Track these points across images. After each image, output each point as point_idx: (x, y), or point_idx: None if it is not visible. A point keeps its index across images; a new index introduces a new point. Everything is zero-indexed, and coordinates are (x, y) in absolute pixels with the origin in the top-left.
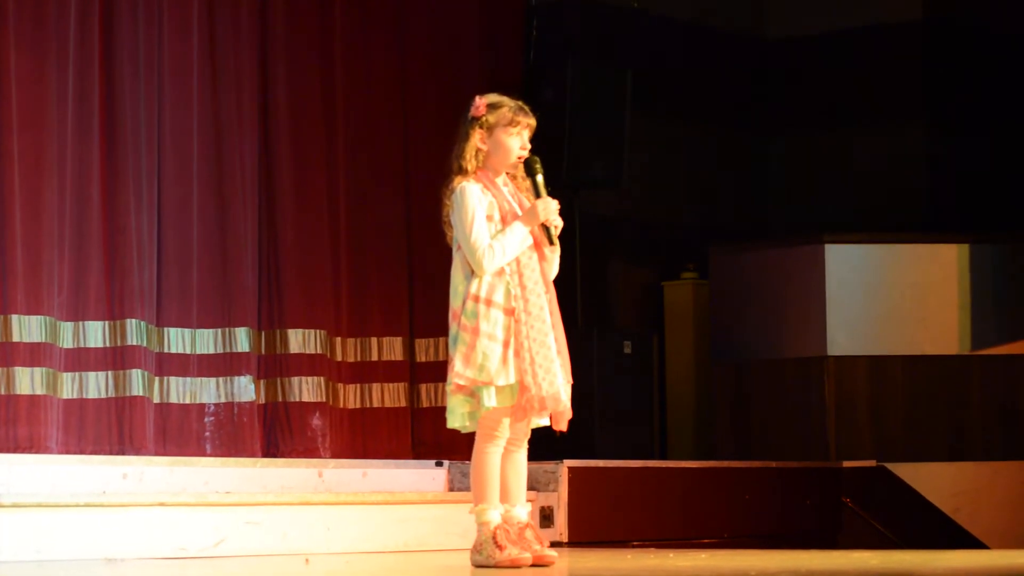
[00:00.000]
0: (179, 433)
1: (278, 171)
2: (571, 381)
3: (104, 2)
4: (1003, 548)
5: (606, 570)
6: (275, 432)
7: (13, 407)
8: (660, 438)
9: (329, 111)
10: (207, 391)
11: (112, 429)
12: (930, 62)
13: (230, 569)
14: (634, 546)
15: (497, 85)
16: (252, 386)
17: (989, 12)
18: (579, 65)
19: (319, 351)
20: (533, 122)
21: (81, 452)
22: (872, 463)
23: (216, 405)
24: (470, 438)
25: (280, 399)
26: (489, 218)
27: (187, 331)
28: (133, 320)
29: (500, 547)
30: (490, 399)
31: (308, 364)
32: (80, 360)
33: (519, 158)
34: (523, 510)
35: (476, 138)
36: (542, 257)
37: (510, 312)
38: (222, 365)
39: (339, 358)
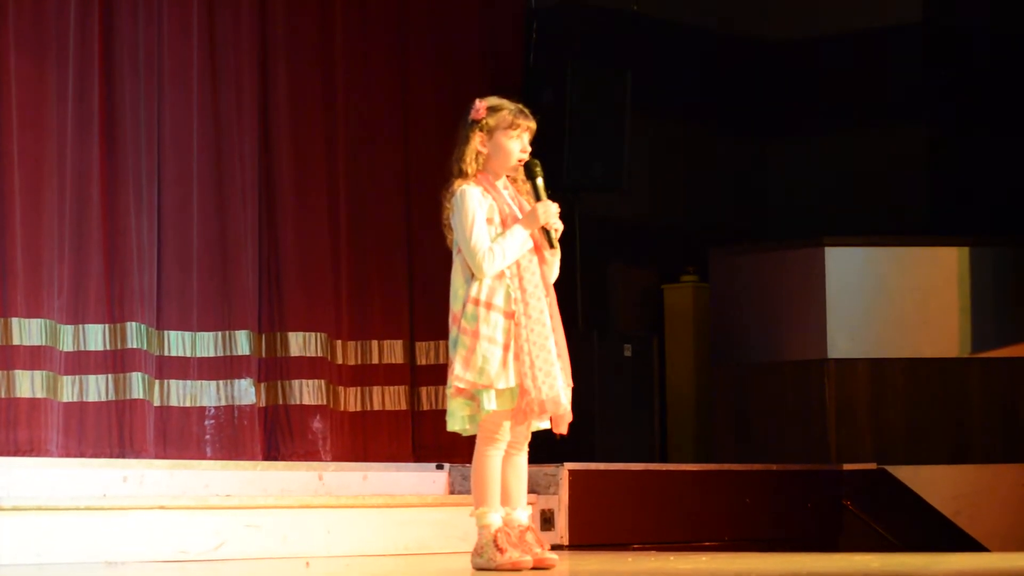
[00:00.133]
0: (179, 436)
1: (278, 173)
2: (571, 384)
3: (104, 2)
4: (1004, 551)
5: (607, 573)
6: (276, 435)
7: (13, 410)
8: (660, 441)
9: (329, 113)
10: (207, 394)
11: (112, 432)
12: (930, 64)
13: (230, 572)
14: (635, 549)
15: (497, 88)
16: (252, 389)
17: (989, 14)
18: (579, 67)
19: (320, 354)
20: (533, 125)
21: (81, 455)
22: (872, 466)
23: (216, 408)
24: (471, 441)
25: (280, 402)
26: (489, 221)
27: (187, 334)
28: (133, 323)
29: (501, 550)
30: (490, 402)
31: (309, 367)
32: (80, 363)
33: (519, 161)
34: (524, 513)
35: (476, 141)
36: (542, 260)
37: (510, 315)
38: (222, 368)
39: (340, 361)
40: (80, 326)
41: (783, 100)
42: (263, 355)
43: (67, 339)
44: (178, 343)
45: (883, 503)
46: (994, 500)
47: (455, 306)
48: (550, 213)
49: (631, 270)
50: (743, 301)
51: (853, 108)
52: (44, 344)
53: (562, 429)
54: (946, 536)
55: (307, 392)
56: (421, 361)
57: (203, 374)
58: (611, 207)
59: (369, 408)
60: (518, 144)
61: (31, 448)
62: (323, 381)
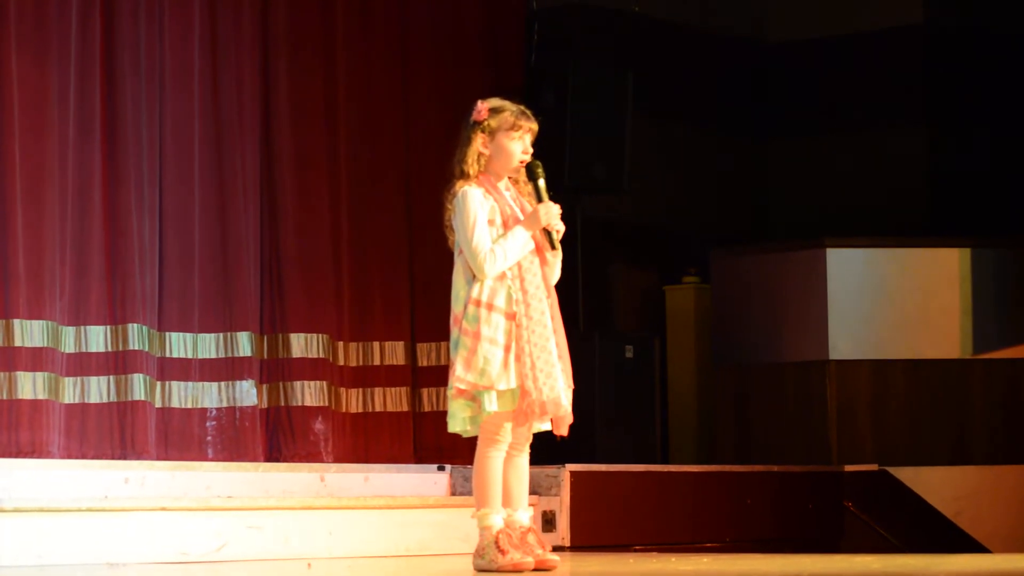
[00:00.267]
0: (181, 437)
1: (279, 174)
2: (572, 386)
3: (105, 3)
4: (1005, 552)
5: (608, 574)
6: (277, 436)
7: (15, 412)
8: (662, 442)
9: (331, 114)
10: (209, 395)
11: (114, 434)
12: (931, 65)
13: (232, 574)
14: (636, 550)
15: (498, 89)
16: (254, 390)
17: (990, 15)
18: (580, 69)
19: (321, 355)
20: (535, 126)
21: (83, 457)
22: (874, 467)
23: (218, 409)
24: (472, 442)
25: (282, 403)
26: (491, 222)
27: (189, 335)
28: (135, 324)
29: (502, 551)
30: (491, 403)
31: (310, 368)
32: (82, 365)
33: (521, 162)
34: (525, 514)
35: (478, 142)
36: (544, 262)
37: (511, 316)
38: (224, 369)
39: (341, 362)
40: (82, 327)
41: (784, 101)
42: (265, 356)
43: (69, 340)
44: (179, 344)
45: (884, 504)
46: (995, 501)
47: (456, 307)
48: (551, 214)
49: (632, 271)
50: (744, 302)
51: (854, 109)
52: (46, 346)
53: (563, 431)
54: (947, 537)
55: (309, 393)
56: (422, 362)
57: (204, 375)
58: (612, 208)
59: (370, 409)
60: (520, 145)
61: (33, 449)
62: (325, 382)
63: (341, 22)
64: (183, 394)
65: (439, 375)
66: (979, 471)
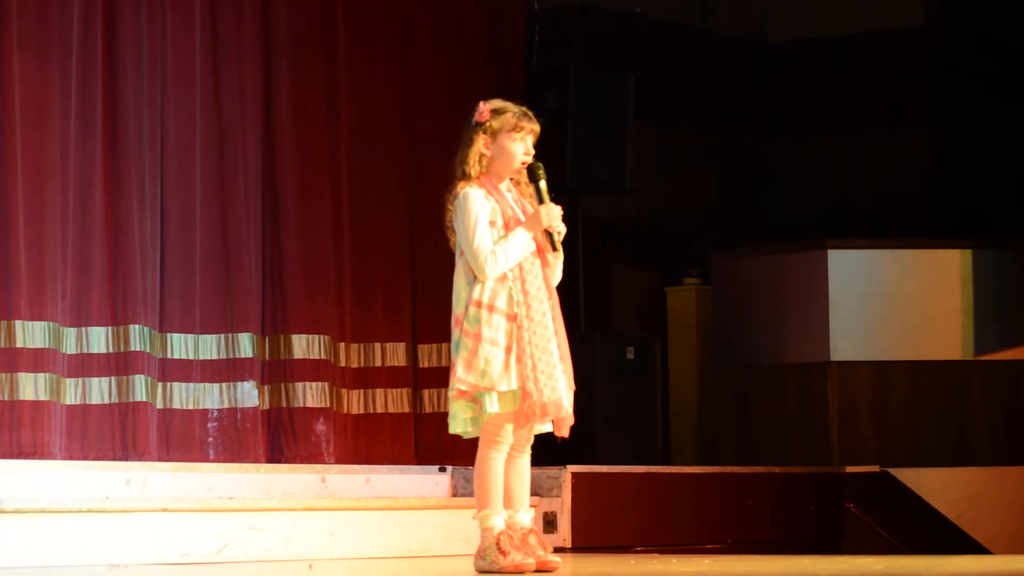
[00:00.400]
0: (182, 439)
1: (281, 175)
2: (573, 387)
3: (107, 1)
4: (1007, 553)
5: (609, 575)
6: (279, 437)
7: (16, 413)
8: (663, 443)
9: (332, 114)
10: (210, 396)
11: (115, 435)
12: (932, 66)
13: (233, 575)
14: (637, 551)
15: (500, 90)
16: (255, 391)
17: (992, 17)
18: (581, 70)
19: (323, 356)
20: (537, 128)
21: (84, 458)
22: (875, 468)
23: (219, 411)
24: (473, 443)
25: (284, 404)
26: (492, 224)
27: (190, 336)
28: (136, 326)
29: (504, 553)
30: (492, 405)
31: (312, 369)
32: (83, 366)
33: (523, 164)
34: (526, 516)
35: (480, 143)
36: (545, 263)
37: (512, 318)
38: (225, 370)
39: (343, 363)
40: (83, 329)
41: (785, 102)
42: (266, 357)
43: (70, 342)
44: (181, 345)
45: (886, 505)
46: (997, 503)
47: (457, 308)
48: (553, 216)
49: (633, 272)
50: (745, 303)
51: (855, 110)
52: (47, 347)
53: (564, 432)
54: (949, 539)
55: (310, 394)
56: (423, 364)
57: (206, 376)
58: (614, 209)
59: (372, 410)
60: (522, 147)
61: (34, 451)
62: (326, 383)
63: (342, 23)
64: (184, 395)
65: (440, 376)
66: (980, 472)
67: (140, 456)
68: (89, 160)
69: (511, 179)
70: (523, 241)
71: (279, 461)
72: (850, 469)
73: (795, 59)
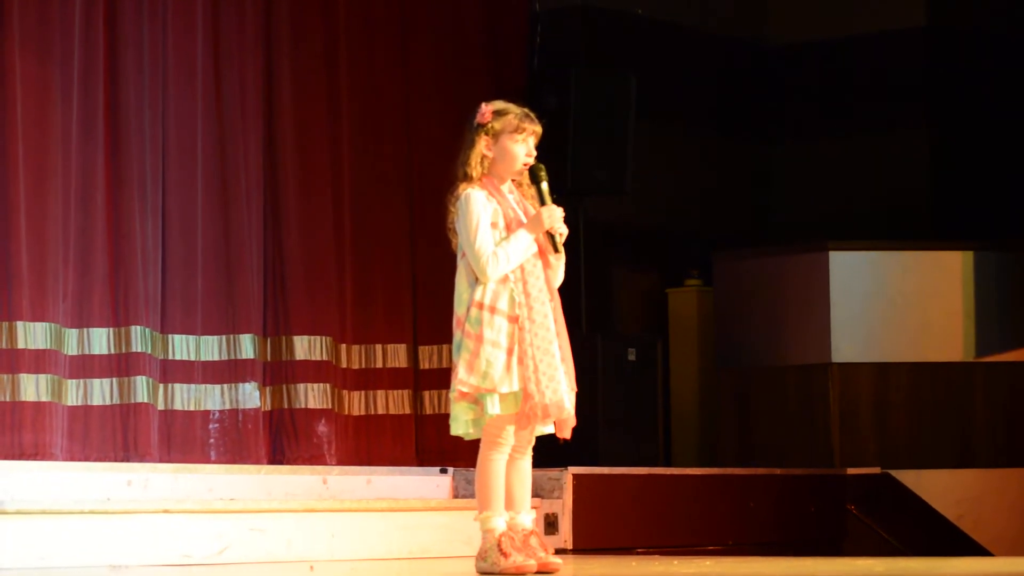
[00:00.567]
0: (184, 440)
1: (282, 176)
2: (575, 388)
3: (109, 2)
4: (1008, 555)
5: None
6: (281, 439)
7: (18, 414)
8: (664, 445)
9: (334, 116)
10: (212, 398)
11: (117, 436)
12: (933, 68)
13: None
14: (638, 553)
15: (501, 92)
16: (257, 393)
17: (992, 18)
18: (583, 72)
19: (324, 358)
20: (539, 129)
21: (86, 459)
22: (876, 470)
23: (221, 412)
24: (474, 445)
25: (285, 406)
26: (494, 225)
27: (192, 338)
28: (138, 327)
29: (505, 554)
30: (494, 406)
31: (314, 371)
32: (85, 367)
33: (525, 165)
34: (528, 517)
35: (482, 145)
36: (546, 264)
37: (514, 319)
38: (227, 372)
39: (344, 365)
40: (85, 330)
41: (786, 103)
42: (268, 359)
43: (72, 343)
44: (182, 347)
45: (887, 507)
46: (998, 504)
47: (459, 310)
48: (554, 217)
49: (635, 274)
50: (747, 305)
51: (856, 112)
52: (49, 348)
53: (565, 433)
54: (950, 540)
55: (312, 396)
56: (424, 365)
57: (207, 378)
58: (615, 211)
59: (373, 412)
60: (523, 148)
61: (35, 452)
62: (327, 385)
63: (344, 23)
64: (186, 396)
65: (441, 378)
66: (982, 474)
67: (141, 457)
68: (90, 160)
69: (513, 180)
70: (525, 243)
71: (280, 462)
72: (851, 471)
73: (796, 60)
